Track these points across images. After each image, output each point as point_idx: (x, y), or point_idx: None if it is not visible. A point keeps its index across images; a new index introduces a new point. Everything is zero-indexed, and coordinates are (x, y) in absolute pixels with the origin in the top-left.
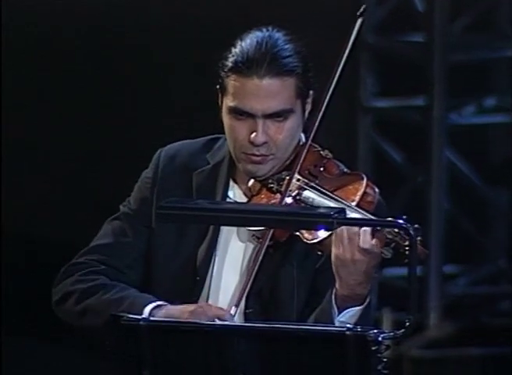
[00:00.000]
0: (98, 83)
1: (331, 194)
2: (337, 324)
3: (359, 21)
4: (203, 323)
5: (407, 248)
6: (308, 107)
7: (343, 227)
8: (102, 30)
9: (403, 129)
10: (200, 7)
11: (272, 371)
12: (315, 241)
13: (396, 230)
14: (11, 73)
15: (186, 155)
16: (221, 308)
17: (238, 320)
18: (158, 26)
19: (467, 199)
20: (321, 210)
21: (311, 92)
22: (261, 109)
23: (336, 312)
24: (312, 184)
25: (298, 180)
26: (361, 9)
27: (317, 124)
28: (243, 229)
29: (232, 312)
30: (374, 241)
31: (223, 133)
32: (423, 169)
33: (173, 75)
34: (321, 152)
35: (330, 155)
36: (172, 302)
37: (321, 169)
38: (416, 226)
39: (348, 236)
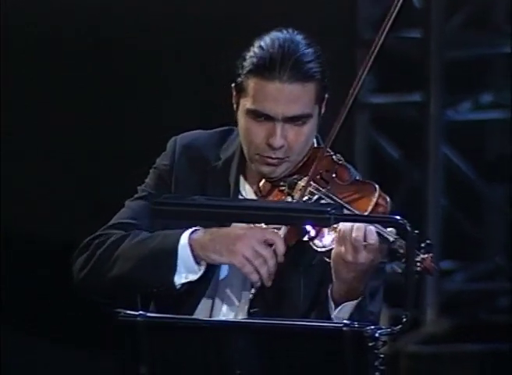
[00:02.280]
0: (98, 83)
1: (342, 203)
2: (334, 319)
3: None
4: (200, 320)
5: (418, 265)
6: (322, 110)
7: (349, 228)
8: (102, 30)
9: (400, 125)
10: (200, 7)
11: (269, 367)
12: (325, 249)
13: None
14: (11, 73)
15: (201, 145)
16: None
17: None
18: (157, 26)
19: (464, 195)
20: (318, 206)
21: (326, 96)
22: (282, 113)
23: (333, 307)
24: (324, 191)
25: (309, 185)
26: None
27: (336, 132)
28: None
29: (282, 233)
30: (379, 247)
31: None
32: (419, 165)
33: (173, 75)
34: (334, 157)
35: (342, 160)
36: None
37: (333, 175)
38: (428, 241)
39: (354, 238)
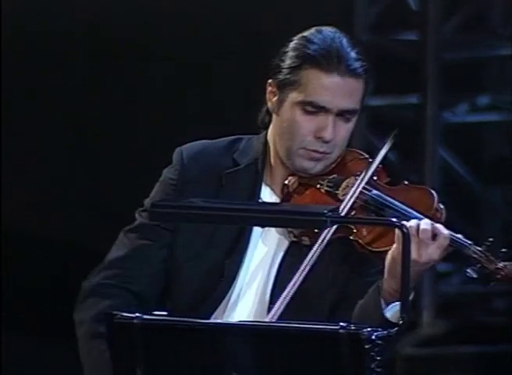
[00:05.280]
0: (98, 83)
1: (403, 206)
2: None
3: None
4: (196, 322)
5: (499, 272)
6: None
7: (417, 228)
8: (102, 30)
9: (397, 127)
10: (200, 7)
11: (265, 370)
12: (383, 249)
13: (480, 249)
14: (11, 73)
15: (211, 155)
16: None
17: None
18: (158, 25)
19: (461, 198)
20: (315, 208)
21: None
22: (337, 106)
23: (384, 305)
24: (379, 193)
25: (360, 192)
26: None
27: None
28: None
29: None
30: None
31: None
32: (416, 167)
33: (174, 75)
34: (370, 160)
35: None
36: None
37: (375, 178)
38: (504, 250)
39: (421, 240)
